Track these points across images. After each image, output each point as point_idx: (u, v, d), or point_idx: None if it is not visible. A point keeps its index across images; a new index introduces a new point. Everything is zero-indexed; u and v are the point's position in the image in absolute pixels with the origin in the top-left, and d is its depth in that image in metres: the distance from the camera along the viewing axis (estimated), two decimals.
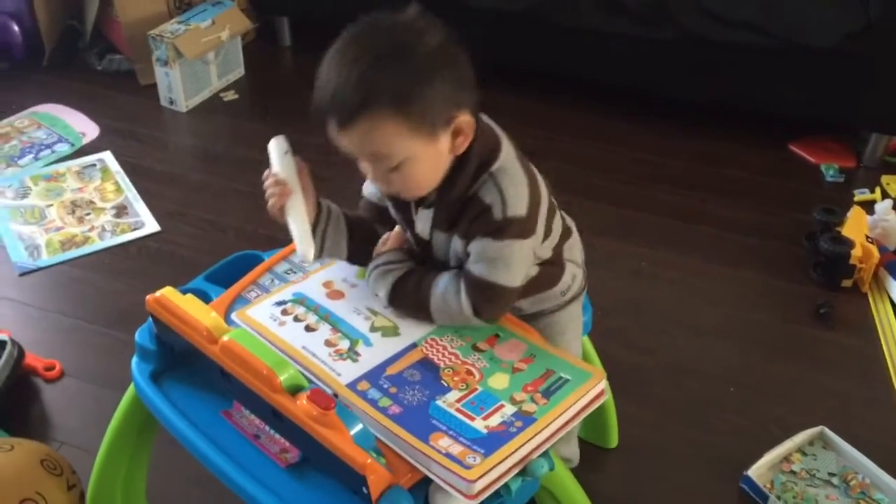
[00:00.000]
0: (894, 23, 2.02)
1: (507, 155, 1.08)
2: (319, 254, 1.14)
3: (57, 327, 1.78)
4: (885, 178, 2.19)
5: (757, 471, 1.45)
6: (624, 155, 2.30)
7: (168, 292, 1.07)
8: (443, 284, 1.10)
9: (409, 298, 1.11)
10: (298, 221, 1.11)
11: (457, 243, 1.10)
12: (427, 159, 1.03)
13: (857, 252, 1.83)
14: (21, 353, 1.63)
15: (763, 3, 2.10)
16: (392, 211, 1.19)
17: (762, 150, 2.32)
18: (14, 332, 1.67)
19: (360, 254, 1.18)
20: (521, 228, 1.06)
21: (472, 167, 1.06)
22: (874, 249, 1.84)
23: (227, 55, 2.55)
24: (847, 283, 1.87)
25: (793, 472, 1.47)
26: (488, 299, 1.08)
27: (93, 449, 1.30)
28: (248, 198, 2.14)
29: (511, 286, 1.08)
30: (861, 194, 2.15)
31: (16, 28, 2.55)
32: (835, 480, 1.46)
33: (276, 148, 1.13)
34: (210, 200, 2.14)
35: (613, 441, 1.54)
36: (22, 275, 1.90)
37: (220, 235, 2.02)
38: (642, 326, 1.80)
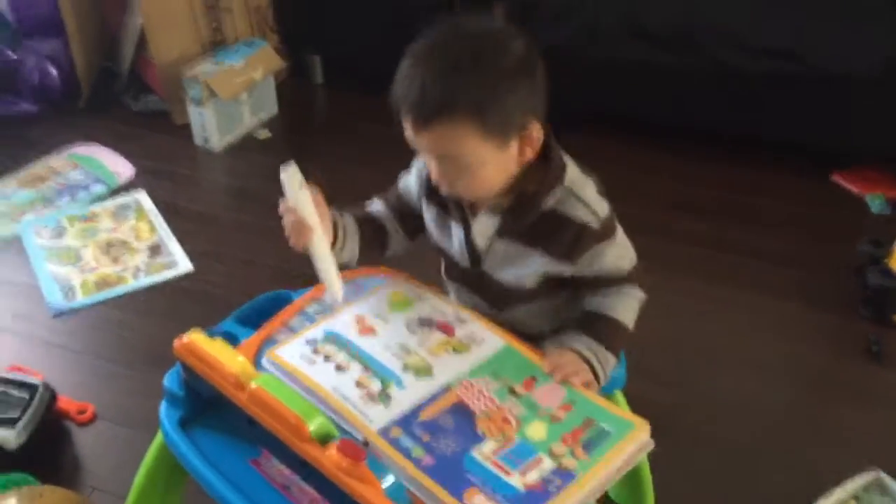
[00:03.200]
0: None
1: (571, 163, 1.12)
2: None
3: (91, 370, 1.77)
4: None
5: None
6: (658, 185, 2.25)
7: (195, 336, 1.05)
8: (624, 310, 1.15)
9: (620, 343, 1.15)
10: (324, 262, 1.10)
11: (540, 260, 1.11)
12: (495, 164, 1.05)
13: None
14: (53, 397, 1.61)
15: (797, 32, 2.06)
16: (431, 216, 1.19)
17: (804, 180, 2.26)
18: (47, 375, 1.67)
19: (363, 251, 1.21)
20: (613, 222, 1.13)
21: (551, 179, 1.09)
22: None
23: (261, 94, 2.57)
24: None
25: None
26: (640, 277, 1.17)
27: (125, 494, 1.27)
28: (282, 237, 2.06)
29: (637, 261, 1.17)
30: None
31: (53, 71, 2.59)
32: None
33: (290, 181, 1.11)
34: (244, 239, 2.13)
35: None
36: (56, 316, 1.90)
37: (254, 275, 2.01)
38: (682, 364, 1.74)
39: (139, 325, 1.88)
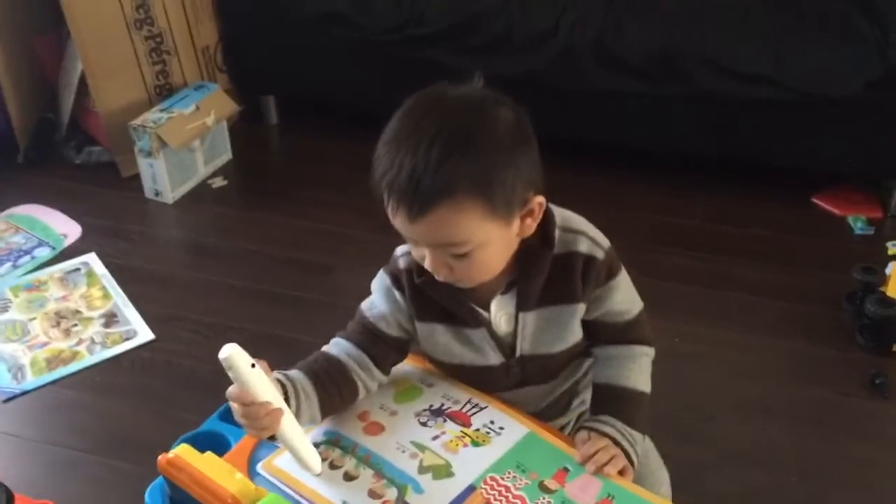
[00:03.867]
0: None
1: (554, 207, 1.04)
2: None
3: (48, 460, 1.61)
4: None
5: None
6: (639, 219, 2.18)
7: (182, 452, 0.93)
8: (642, 377, 1.09)
9: (643, 411, 1.08)
10: (297, 440, 0.95)
11: (576, 312, 1.05)
12: (499, 244, 0.96)
13: None
14: (10, 498, 1.45)
15: (776, 56, 2.01)
16: (434, 336, 1.06)
17: (784, 205, 2.21)
18: (0, 469, 1.51)
19: (327, 408, 1.03)
20: (615, 255, 1.07)
21: (553, 230, 1.02)
22: None
23: (214, 140, 2.43)
24: None
25: None
26: (647, 326, 1.11)
27: None
28: (245, 295, 1.99)
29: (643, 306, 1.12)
30: (895, 247, 2.04)
31: None
32: None
33: (236, 363, 0.92)
34: (205, 300, 1.99)
35: None
36: (6, 401, 1.73)
37: (219, 340, 1.77)
38: (686, 412, 1.66)
39: (99, 406, 1.72)
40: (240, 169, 2.49)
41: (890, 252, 2.03)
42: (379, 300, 1.08)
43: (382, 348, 1.07)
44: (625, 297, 1.09)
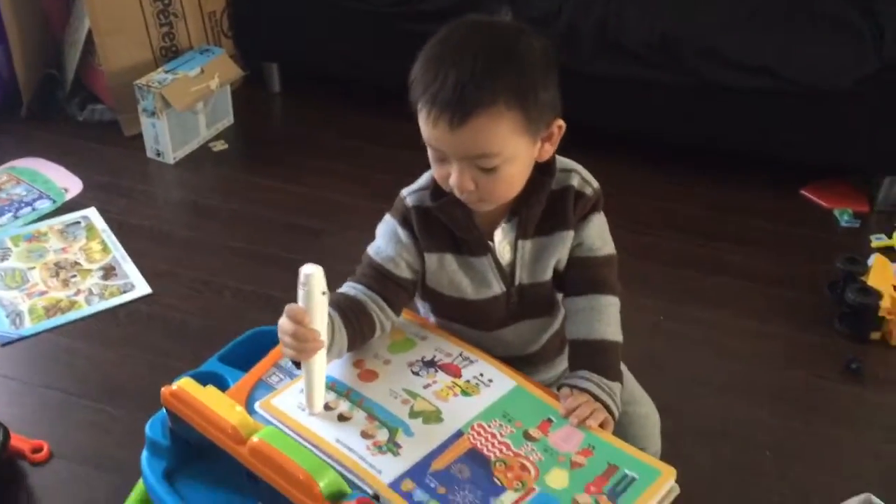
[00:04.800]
0: None
1: None
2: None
3: (44, 403, 1.65)
4: None
5: None
6: (634, 203, 2.22)
7: (185, 384, 0.97)
8: (611, 327, 1.13)
9: (618, 361, 1.13)
10: (317, 377, 0.99)
11: (566, 238, 1.12)
12: (523, 161, 1.03)
13: (885, 303, 1.77)
14: (6, 436, 1.49)
15: (771, 48, 2.05)
16: (441, 265, 1.11)
17: (774, 195, 2.26)
18: None
19: (352, 344, 1.08)
20: (601, 201, 1.15)
21: (554, 168, 1.10)
22: None
23: (217, 104, 2.45)
24: (876, 335, 1.80)
25: None
26: (616, 273, 1.17)
27: None
28: (242, 255, 2.03)
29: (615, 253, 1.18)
30: (878, 240, 2.09)
31: None
32: None
33: (313, 283, 0.95)
34: (203, 259, 2.02)
35: None
36: (4, 345, 1.77)
37: (214, 297, 1.91)
38: (665, 386, 1.69)
39: (94, 354, 1.76)
40: (241, 134, 2.51)
41: (874, 245, 2.07)
42: (385, 243, 1.12)
43: (393, 288, 1.12)
44: (599, 235, 1.16)
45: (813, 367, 1.76)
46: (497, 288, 1.13)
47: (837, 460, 1.56)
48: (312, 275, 0.94)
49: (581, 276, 1.15)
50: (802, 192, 2.27)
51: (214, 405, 0.93)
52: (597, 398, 1.05)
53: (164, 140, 2.31)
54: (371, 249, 1.14)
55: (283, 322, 0.97)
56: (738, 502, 1.48)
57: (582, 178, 1.13)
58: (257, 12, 2.54)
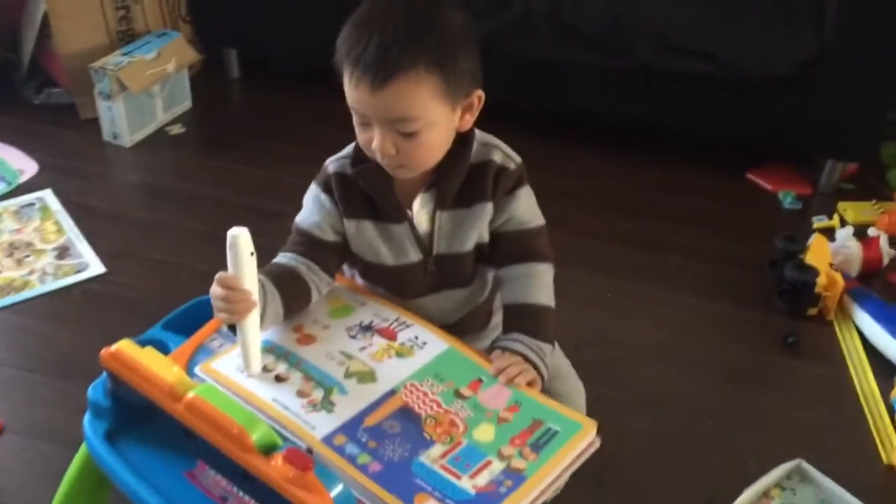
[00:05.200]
0: (847, 51, 2.04)
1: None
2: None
3: None
4: (841, 205, 2.20)
5: None
6: (581, 184, 2.28)
7: (125, 345, 0.99)
8: (545, 291, 1.16)
9: (549, 324, 1.15)
10: (252, 337, 1.02)
11: (485, 211, 1.14)
12: (443, 128, 1.06)
13: (822, 280, 1.83)
14: None
15: (719, 32, 2.11)
16: (360, 231, 1.15)
17: (720, 178, 2.32)
18: None
19: (289, 314, 1.11)
20: (525, 174, 1.18)
21: (474, 140, 1.13)
22: (839, 277, 1.84)
23: (174, 88, 2.47)
24: (812, 311, 1.86)
25: None
26: (547, 244, 1.20)
27: None
28: (198, 236, 2.05)
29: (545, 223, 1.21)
30: (819, 221, 2.16)
31: None
32: None
33: (240, 246, 0.98)
34: (158, 239, 2.04)
35: None
36: None
37: (170, 276, 1.93)
38: (611, 359, 1.76)
39: (47, 331, 1.78)
40: (198, 118, 2.53)
41: (815, 226, 2.14)
42: (310, 210, 1.16)
43: (322, 253, 1.15)
44: (528, 208, 1.19)
45: (752, 341, 1.82)
46: (414, 255, 1.16)
47: (772, 428, 1.63)
48: (238, 236, 0.97)
49: (514, 249, 1.18)
50: (748, 175, 2.34)
51: (152, 365, 0.96)
52: (526, 358, 1.09)
53: (121, 123, 2.33)
54: (298, 217, 1.18)
55: (214, 288, 1.00)
56: (676, 467, 1.53)
57: (504, 153, 1.16)
58: None
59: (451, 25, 1.03)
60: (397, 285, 1.19)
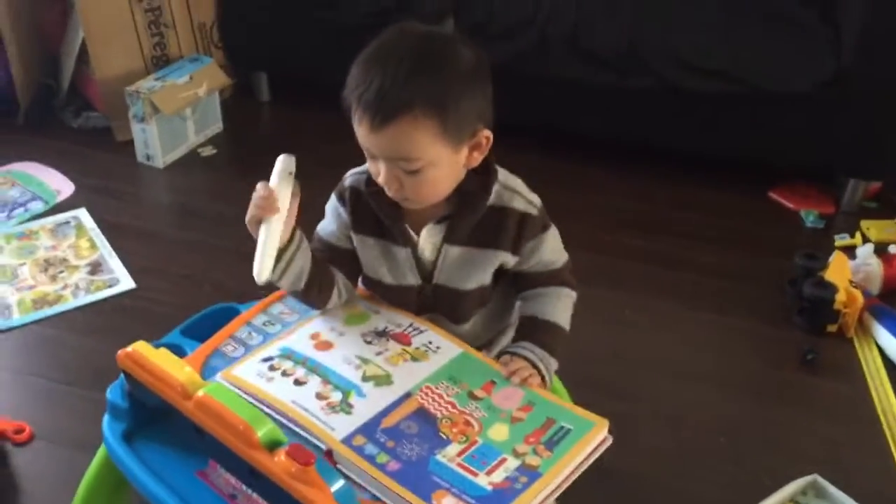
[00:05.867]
0: (866, 68, 2.05)
1: (497, 166, 1.16)
2: (278, 278, 1.11)
3: (29, 389, 1.73)
4: (864, 223, 2.19)
5: None
6: (602, 203, 2.29)
7: (140, 346, 1.04)
8: (564, 313, 1.20)
9: (559, 343, 1.18)
10: (270, 241, 1.07)
11: (498, 256, 1.16)
12: (447, 167, 1.07)
13: (841, 297, 1.82)
14: None
15: (733, 52, 2.13)
16: (368, 247, 1.18)
17: (742, 197, 2.32)
18: None
19: (311, 290, 1.16)
20: (546, 214, 1.18)
21: (493, 180, 1.13)
22: (858, 294, 1.83)
23: (205, 111, 2.55)
24: (832, 328, 1.85)
25: None
26: (571, 275, 1.24)
27: None
28: (226, 253, 2.10)
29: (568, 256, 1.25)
30: (841, 239, 2.15)
31: None
32: None
33: (282, 164, 1.10)
34: (187, 256, 2.10)
35: None
36: None
37: (197, 291, 1.98)
38: (627, 375, 1.77)
39: (78, 344, 1.84)
40: (229, 140, 2.60)
41: (837, 244, 2.13)
42: (328, 219, 1.21)
43: (340, 260, 1.20)
44: (554, 248, 1.21)
45: (770, 358, 1.82)
46: (412, 280, 1.19)
47: (788, 444, 1.62)
48: (282, 161, 1.10)
49: (541, 279, 1.21)
50: (770, 193, 2.34)
51: (165, 364, 1.00)
52: (534, 366, 1.12)
53: (154, 145, 2.40)
54: (319, 225, 1.23)
55: (255, 196, 1.07)
56: (690, 483, 1.53)
57: (525, 199, 1.15)
58: (245, 23, 2.64)
59: (458, 64, 1.03)
60: (394, 302, 1.22)
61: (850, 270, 1.92)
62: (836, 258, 1.96)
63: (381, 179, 1.08)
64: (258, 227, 1.07)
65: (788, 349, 1.83)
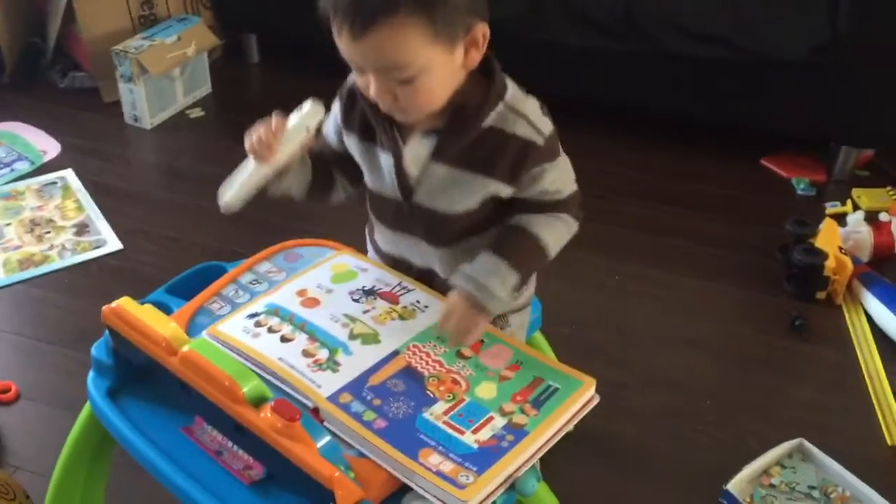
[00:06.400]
0: (862, 36, 2.03)
1: (511, 83, 1.06)
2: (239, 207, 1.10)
3: (14, 348, 1.72)
4: (855, 192, 2.19)
5: (737, 485, 1.42)
6: (595, 168, 2.27)
7: (125, 302, 1.03)
8: (547, 229, 1.09)
9: (531, 262, 1.09)
10: (250, 179, 1.06)
11: (490, 185, 1.05)
12: (442, 71, 0.97)
13: (830, 263, 1.82)
14: None
15: (732, 17, 2.11)
16: (355, 147, 1.12)
17: (734, 164, 2.32)
18: None
19: (315, 191, 1.16)
20: (557, 142, 1.08)
21: (495, 93, 1.03)
22: (848, 261, 1.83)
23: (194, 72, 2.51)
24: (821, 294, 1.86)
25: (772, 486, 1.44)
26: (579, 206, 1.13)
27: (49, 474, 1.23)
28: (213, 215, 2.02)
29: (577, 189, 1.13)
30: (832, 207, 2.15)
31: None
32: (815, 493, 1.44)
33: (308, 111, 1.06)
34: (174, 218, 2.08)
35: None
36: None
37: (184, 252, 1.97)
38: (617, 340, 1.77)
39: (64, 304, 1.82)
40: (218, 102, 2.57)
41: (828, 212, 2.13)
42: (329, 119, 1.15)
43: (340, 161, 1.16)
44: (558, 178, 1.09)
45: (759, 324, 1.82)
46: (391, 192, 1.11)
47: (775, 409, 1.63)
48: (309, 105, 1.06)
49: (542, 206, 1.11)
50: (762, 161, 2.33)
51: (150, 320, 0.99)
52: (469, 296, 1.04)
53: (141, 106, 2.37)
54: (324, 127, 1.17)
55: (260, 125, 1.04)
56: (678, 446, 1.54)
57: (531, 125, 1.04)
58: None
59: None
60: (378, 208, 1.17)
61: (840, 238, 1.91)
62: (827, 225, 1.95)
63: (371, 93, 0.99)
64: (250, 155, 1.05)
65: (777, 315, 1.83)
